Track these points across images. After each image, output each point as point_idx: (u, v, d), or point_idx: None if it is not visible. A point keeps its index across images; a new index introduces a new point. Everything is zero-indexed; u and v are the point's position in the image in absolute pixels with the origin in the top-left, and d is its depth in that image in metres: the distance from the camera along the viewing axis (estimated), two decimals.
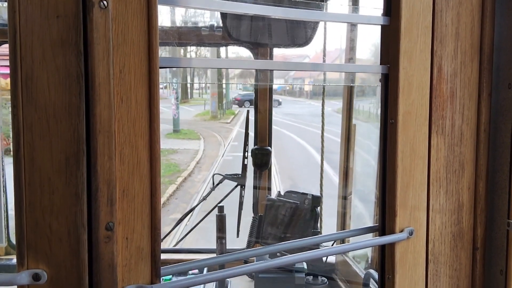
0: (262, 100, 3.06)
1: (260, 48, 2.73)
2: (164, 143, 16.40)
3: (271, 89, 3.03)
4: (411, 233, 1.43)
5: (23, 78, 0.97)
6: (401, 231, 1.42)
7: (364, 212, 3.12)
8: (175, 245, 3.11)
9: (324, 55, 2.66)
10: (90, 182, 1.01)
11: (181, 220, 3.12)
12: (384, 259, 1.47)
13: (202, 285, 2.66)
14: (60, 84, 0.99)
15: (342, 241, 2.66)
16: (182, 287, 1.15)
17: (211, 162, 14.95)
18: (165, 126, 18.18)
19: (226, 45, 2.85)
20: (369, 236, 1.61)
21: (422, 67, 1.41)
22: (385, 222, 1.45)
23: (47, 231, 1.01)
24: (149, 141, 1.08)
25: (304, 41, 2.45)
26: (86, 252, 1.02)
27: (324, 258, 2.73)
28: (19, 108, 0.98)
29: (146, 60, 1.06)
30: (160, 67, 1.08)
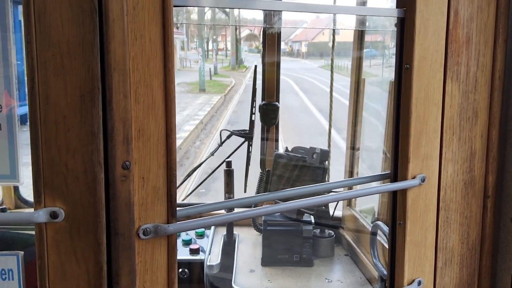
0: (269, 55, 3.03)
1: None
2: (215, 78, 29.77)
3: (279, 42, 2.99)
4: (423, 180, 1.43)
5: (36, 13, 0.96)
6: (413, 177, 1.42)
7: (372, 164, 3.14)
8: (183, 200, 3.14)
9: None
10: (106, 120, 1.01)
11: (189, 175, 3.13)
12: (396, 205, 1.47)
13: (211, 240, 2.70)
14: (74, 19, 0.97)
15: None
16: (197, 227, 1.16)
17: (240, 84, 26.70)
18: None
19: None
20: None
21: (439, 11, 1.38)
22: (397, 168, 1.45)
23: (63, 169, 1.01)
24: (164, 81, 1.07)
25: None
26: (103, 190, 1.02)
27: (331, 212, 2.76)
28: (33, 44, 0.96)
29: None
30: (174, 6, 1.06)
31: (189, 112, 16.32)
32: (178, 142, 11.00)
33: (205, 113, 16.04)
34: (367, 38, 2.85)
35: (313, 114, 15.56)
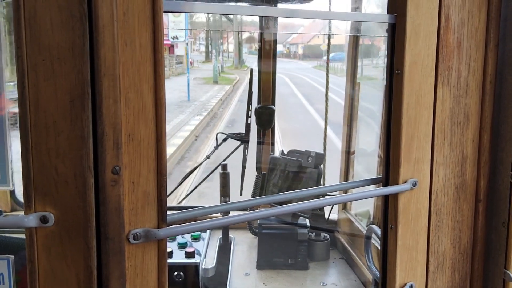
0: (265, 58, 3.03)
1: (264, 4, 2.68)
2: (222, 75, 36.14)
3: (275, 46, 2.99)
4: (414, 184, 1.44)
5: (26, 18, 0.96)
6: (405, 182, 1.43)
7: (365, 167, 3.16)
8: (179, 202, 3.14)
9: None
10: (96, 125, 1.01)
11: (185, 178, 3.14)
12: (387, 209, 1.48)
13: (206, 243, 2.70)
14: (64, 24, 0.97)
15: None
16: (188, 231, 1.16)
17: (243, 79, 31.74)
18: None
19: (228, 1, 2.80)
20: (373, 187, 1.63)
21: (430, 16, 1.38)
22: (389, 173, 1.46)
23: (54, 174, 1.01)
24: (154, 86, 1.07)
25: None
26: (93, 195, 1.03)
27: (326, 215, 2.76)
28: (23, 49, 0.97)
29: (150, 3, 1.04)
30: (164, 12, 1.07)
31: (211, 94, 25.29)
32: (210, 107, 20.30)
33: (222, 94, 25.05)
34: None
35: (297, 96, 24.71)
